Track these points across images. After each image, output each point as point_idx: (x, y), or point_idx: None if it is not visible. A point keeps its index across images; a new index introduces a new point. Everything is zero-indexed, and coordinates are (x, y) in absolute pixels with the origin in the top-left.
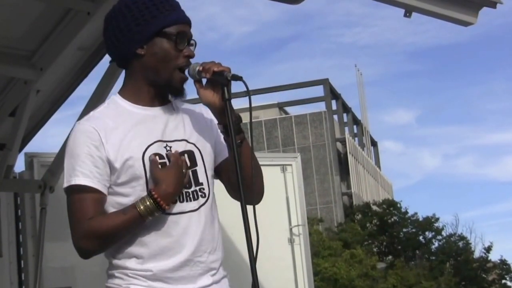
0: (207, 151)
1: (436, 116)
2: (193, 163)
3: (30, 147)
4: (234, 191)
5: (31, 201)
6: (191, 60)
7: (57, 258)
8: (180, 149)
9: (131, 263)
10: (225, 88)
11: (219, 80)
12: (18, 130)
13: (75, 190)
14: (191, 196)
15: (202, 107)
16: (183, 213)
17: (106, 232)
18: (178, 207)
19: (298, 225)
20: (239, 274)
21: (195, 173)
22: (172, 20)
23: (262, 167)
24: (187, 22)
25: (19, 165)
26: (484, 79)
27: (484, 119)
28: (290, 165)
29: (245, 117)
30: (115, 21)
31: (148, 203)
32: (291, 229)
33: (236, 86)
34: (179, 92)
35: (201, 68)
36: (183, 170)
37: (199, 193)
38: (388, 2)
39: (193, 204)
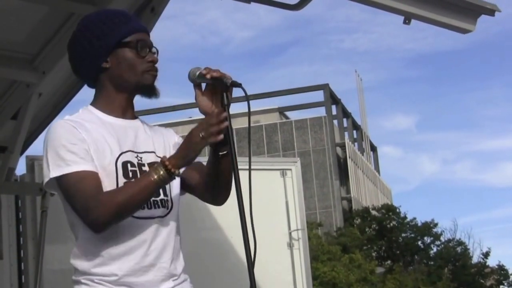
0: None
1: (435, 122)
2: None
3: (32, 150)
4: (205, 192)
5: (31, 204)
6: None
7: (57, 260)
8: (150, 160)
9: (96, 267)
10: (225, 94)
11: (218, 86)
12: (20, 133)
13: (72, 176)
14: (159, 203)
15: (169, 130)
16: (151, 219)
17: (124, 201)
18: (146, 212)
19: (297, 230)
20: (238, 277)
21: None
22: (129, 30)
23: (262, 172)
24: (144, 30)
25: (20, 168)
26: (483, 85)
27: (482, 125)
28: (290, 169)
29: (244, 122)
30: (78, 42)
31: (161, 172)
32: (290, 234)
33: (235, 91)
34: (151, 90)
35: (204, 72)
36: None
37: (165, 203)
38: (388, 9)
39: (159, 211)
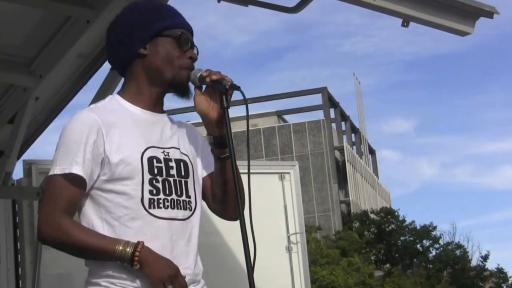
0: (197, 165)
1: (433, 126)
2: (186, 174)
3: (29, 155)
4: (216, 204)
5: (29, 208)
6: (194, 65)
7: (55, 264)
8: (176, 156)
9: (116, 270)
10: (224, 97)
11: (217, 88)
12: (17, 137)
13: (66, 177)
14: (181, 204)
15: (194, 130)
16: (174, 220)
17: (73, 240)
18: (171, 212)
19: (296, 233)
20: (237, 281)
21: (186, 184)
22: (174, 23)
23: (260, 175)
24: (189, 28)
25: (18, 172)
26: (481, 89)
27: (481, 128)
28: (288, 173)
29: (241, 126)
30: (118, 26)
31: (128, 249)
32: (289, 237)
33: (234, 95)
34: (185, 90)
35: (205, 74)
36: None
37: (187, 205)
38: (386, 12)
39: (182, 213)
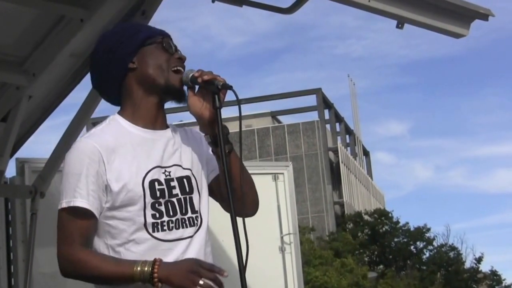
0: (202, 178)
1: (428, 129)
2: (191, 189)
3: (22, 153)
4: (227, 204)
5: (21, 207)
6: (185, 65)
7: (48, 263)
8: (178, 174)
9: None
10: (216, 96)
11: (210, 88)
12: (10, 136)
13: (71, 210)
14: (187, 222)
15: (198, 132)
16: (180, 240)
17: (91, 270)
18: (175, 233)
19: (289, 234)
20: (230, 282)
21: (191, 200)
22: (154, 32)
23: (253, 176)
24: (168, 36)
25: (10, 171)
26: (476, 92)
27: (476, 132)
28: (282, 173)
29: (235, 126)
30: (103, 46)
31: (146, 268)
32: (282, 238)
33: (228, 95)
34: (179, 93)
35: (196, 74)
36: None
37: (195, 221)
38: (380, 13)
39: (189, 231)
